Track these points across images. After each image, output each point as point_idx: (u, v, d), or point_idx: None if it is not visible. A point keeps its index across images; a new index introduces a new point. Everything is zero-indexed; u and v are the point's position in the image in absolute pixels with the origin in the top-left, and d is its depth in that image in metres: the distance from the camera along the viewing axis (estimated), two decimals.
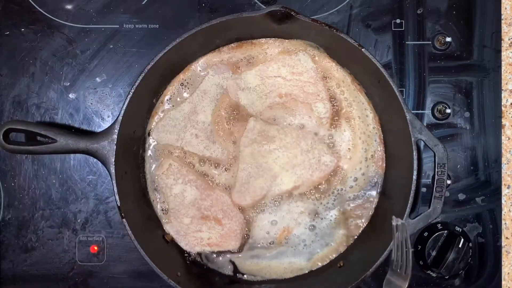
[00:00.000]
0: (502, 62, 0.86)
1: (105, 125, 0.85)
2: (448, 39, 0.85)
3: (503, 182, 0.85)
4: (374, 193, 0.81)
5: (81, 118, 0.85)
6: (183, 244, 0.80)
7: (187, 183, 0.80)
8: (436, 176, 0.72)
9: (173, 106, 0.81)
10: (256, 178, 0.80)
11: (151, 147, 0.81)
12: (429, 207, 0.72)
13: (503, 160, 0.85)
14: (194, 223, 0.80)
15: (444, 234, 0.81)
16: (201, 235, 0.80)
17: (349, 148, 0.81)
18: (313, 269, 0.81)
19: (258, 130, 0.80)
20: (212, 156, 0.80)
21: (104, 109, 0.86)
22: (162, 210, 0.81)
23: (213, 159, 0.81)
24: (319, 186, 0.80)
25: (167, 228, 0.80)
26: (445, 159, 0.72)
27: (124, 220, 0.72)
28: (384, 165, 0.81)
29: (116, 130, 0.73)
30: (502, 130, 0.85)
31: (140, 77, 0.73)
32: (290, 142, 0.80)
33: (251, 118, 0.80)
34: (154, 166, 0.81)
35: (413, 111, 0.83)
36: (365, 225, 0.81)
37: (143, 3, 0.85)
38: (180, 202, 0.80)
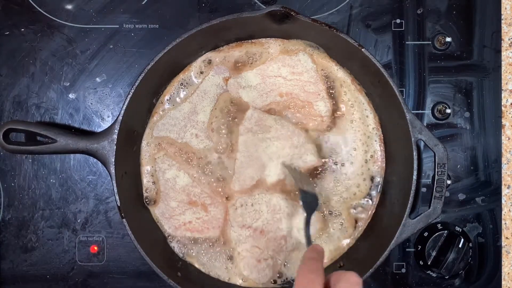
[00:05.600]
0: (502, 62, 0.86)
1: (105, 125, 0.85)
2: (448, 39, 0.85)
3: (503, 182, 0.85)
4: (374, 193, 0.81)
5: (81, 118, 0.85)
6: (166, 227, 0.80)
7: (180, 169, 0.80)
8: (436, 176, 0.73)
9: (173, 105, 0.81)
10: (246, 168, 0.80)
11: (149, 140, 0.81)
12: (429, 207, 0.72)
13: (503, 160, 0.85)
14: (180, 207, 0.80)
15: (444, 234, 0.81)
16: (184, 219, 0.80)
17: (351, 154, 0.81)
18: None
19: (256, 119, 0.80)
20: (212, 156, 0.81)
21: (104, 109, 0.86)
22: (147, 197, 0.81)
23: (213, 157, 0.81)
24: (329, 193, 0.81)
25: (154, 210, 0.81)
26: (445, 159, 0.73)
27: (124, 220, 0.72)
28: (384, 165, 0.81)
29: (116, 130, 0.73)
30: (502, 130, 0.85)
31: (140, 77, 0.73)
32: (285, 135, 0.80)
33: (250, 107, 0.80)
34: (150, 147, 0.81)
35: (413, 111, 0.83)
36: (365, 225, 0.81)
37: (143, 3, 0.85)
38: (171, 187, 0.80)
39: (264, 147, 0.80)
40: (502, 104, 0.85)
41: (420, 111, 0.85)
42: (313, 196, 0.77)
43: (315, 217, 0.80)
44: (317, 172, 0.81)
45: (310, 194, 0.76)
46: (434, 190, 0.73)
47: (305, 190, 0.76)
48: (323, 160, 0.81)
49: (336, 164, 0.81)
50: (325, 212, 0.80)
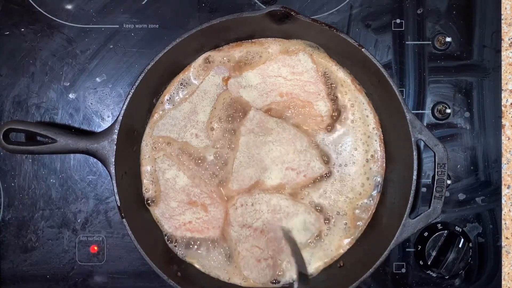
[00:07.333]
0: (502, 62, 0.86)
1: (105, 125, 0.85)
2: (448, 39, 0.85)
3: (503, 182, 0.85)
4: (374, 193, 0.81)
5: (81, 118, 0.85)
6: (166, 227, 0.80)
7: (180, 169, 0.80)
8: (436, 176, 0.73)
9: (173, 105, 0.81)
10: (246, 168, 0.80)
11: (149, 140, 0.81)
12: (429, 207, 0.72)
13: (503, 160, 0.85)
14: (180, 207, 0.80)
15: (444, 234, 0.81)
16: (184, 219, 0.80)
17: (352, 154, 0.81)
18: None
19: (258, 121, 0.80)
20: (212, 156, 0.81)
21: (104, 109, 0.86)
22: (147, 197, 0.81)
23: (213, 157, 0.81)
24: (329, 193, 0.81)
25: (154, 210, 0.81)
26: (445, 159, 0.73)
27: (124, 220, 0.72)
28: (384, 165, 0.81)
29: (116, 130, 0.73)
30: (502, 130, 0.85)
31: (140, 77, 0.73)
32: (286, 138, 0.80)
33: (252, 108, 0.80)
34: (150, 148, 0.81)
35: (413, 111, 0.83)
36: (365, 225, 0.81)
37: (143, 3, 0.86)
38: (171, 187, 0.80)
39: (267, 150, 0.80)
40: (502, 104, 0.85)
41: (420, 111, 0.85)
42: (306, 279, 0.72)
43: (315, 217, 0.80)
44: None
45: (305, 276, 0.72)
46: (434, 190, 0.73)
47: (302, 273, 0.71)
48: (328, 165, 0.81)
49: (340, 165, 0.81)
50: (333, 213, 0.80)
